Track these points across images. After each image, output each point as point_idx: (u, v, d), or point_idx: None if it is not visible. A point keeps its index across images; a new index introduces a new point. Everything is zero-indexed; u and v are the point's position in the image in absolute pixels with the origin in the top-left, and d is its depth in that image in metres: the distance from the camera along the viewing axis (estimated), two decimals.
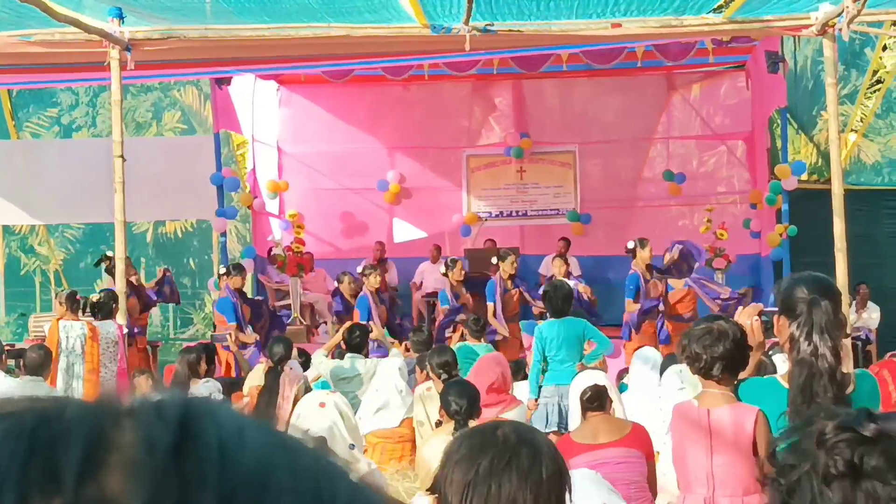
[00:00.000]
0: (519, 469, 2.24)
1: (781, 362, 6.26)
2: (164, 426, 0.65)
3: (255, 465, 0.65)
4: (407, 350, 12.27)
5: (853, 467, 1.70)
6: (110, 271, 15.11)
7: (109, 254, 15.29)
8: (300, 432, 0.71)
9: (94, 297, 12.03)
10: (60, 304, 12.31)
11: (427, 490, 2.41)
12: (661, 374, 8.85)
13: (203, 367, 10.54)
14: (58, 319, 11.94)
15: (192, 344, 13.11)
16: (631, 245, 14.27)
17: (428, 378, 9.54)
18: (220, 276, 15.93)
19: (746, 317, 4.49)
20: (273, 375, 10.34)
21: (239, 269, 15.50)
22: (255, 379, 11.03)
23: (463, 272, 15.82)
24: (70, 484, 0.62)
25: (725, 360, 4.59)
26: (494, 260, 15.42)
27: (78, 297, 12.35)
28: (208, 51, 13.20)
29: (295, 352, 11.32)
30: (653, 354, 10.07)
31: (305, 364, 12.03)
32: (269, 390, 10.18)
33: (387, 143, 20.51)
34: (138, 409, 0.67)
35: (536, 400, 10.48)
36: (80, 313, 12.21)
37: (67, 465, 0.63)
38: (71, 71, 14.21)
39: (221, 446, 0.65)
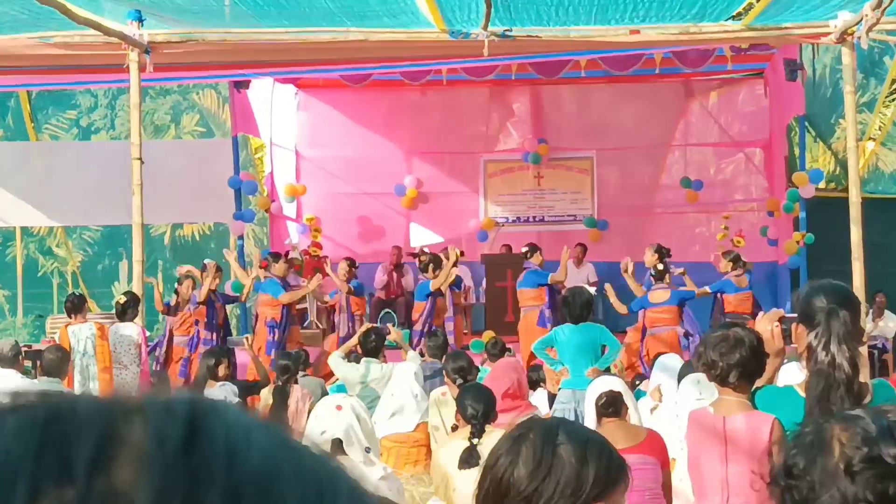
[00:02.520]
0: (525, 464, 2.29)
1: (797, 370, 6.24)
2: (174, 423, 0.66)
3: (261, 464, 0.66)
4: (422, 354, 12.25)
5: (885, 498, 1.70)
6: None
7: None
8: (311, 438, 0.72)
9: (122, 300, 12.10)
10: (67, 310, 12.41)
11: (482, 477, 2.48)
12: (679, 381, 8.82)
13: (222, 371, 10.53)
14: (66, 325, 12.00)
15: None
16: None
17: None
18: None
19: (767, 322, 4.47)
20: (280, 393, 10.31)
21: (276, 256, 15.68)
22: (264, 398, 10.86)
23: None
24: (81, 476, 0.63)
25: (741, 368, 4.58)
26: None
27: (71, 300, 12.40)
28: (227, 54, 13.23)
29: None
30: (673, 362, 10.03)
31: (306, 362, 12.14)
32: (278, 409, 10.11)
33: (404, 147, 20.52)
34: (149, 405, 0.68)
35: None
36: (86, 315, 12.29)
37: (79, 457, 0.64)
38: (90, 73, 14.26)
39: (229, 444, 0.66)
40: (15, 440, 0.65)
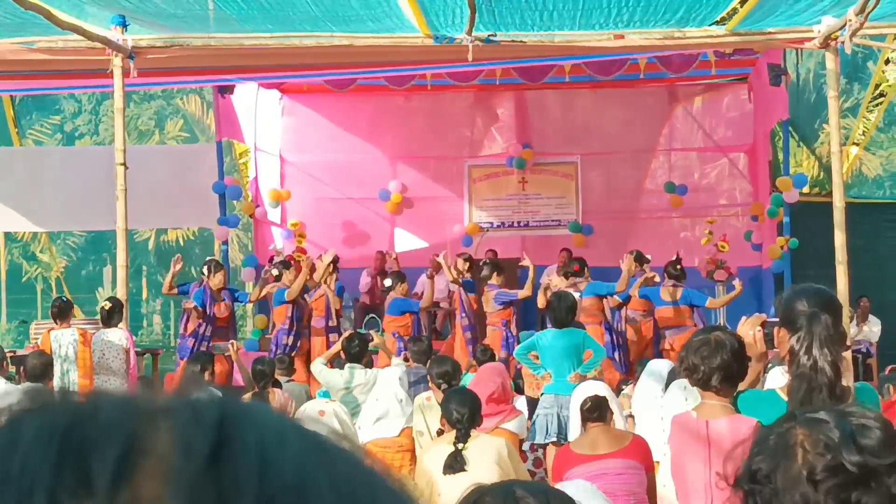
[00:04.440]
0: None
1: (780, 374, 6.25)
2: (202, 429, 0.63)
3: (295, 472, 0.63)
4: (406, 360, 12.23)
5: None
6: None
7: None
8: (336, 434, 0.70)
9: (107, 306, 12.06)
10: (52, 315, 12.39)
11: None
12: (666, 387, 8.81)
13: (207, 377, 10.52)
14: (49, 330, 11.97)
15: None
16: None
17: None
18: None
19: (749, 327, 4.48)
20: (259, 399, 10.28)
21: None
22: None
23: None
24: (103, 489, 0.60)
25: (723, 371, 4.58)
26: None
27: (58, 305, 12.38)
28: (211, 59, 13.21)
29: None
30: (660, 367, 10.02)
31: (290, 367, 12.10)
32: None
33: (389, 152, 20.51)
34: (174, 409, 0.64)
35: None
36: (70, 321, 12.25)
37: (100, 468, 0.60)
38: (74, 78, 14.23)
39: (260, 451, 0.63)
40: (33, 449, 0.61)
